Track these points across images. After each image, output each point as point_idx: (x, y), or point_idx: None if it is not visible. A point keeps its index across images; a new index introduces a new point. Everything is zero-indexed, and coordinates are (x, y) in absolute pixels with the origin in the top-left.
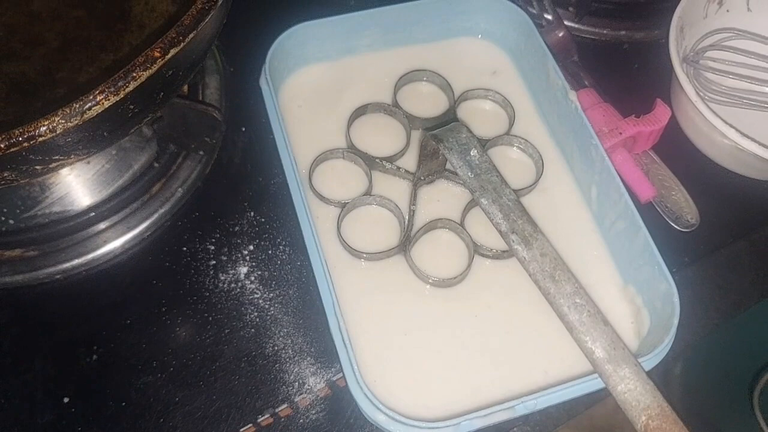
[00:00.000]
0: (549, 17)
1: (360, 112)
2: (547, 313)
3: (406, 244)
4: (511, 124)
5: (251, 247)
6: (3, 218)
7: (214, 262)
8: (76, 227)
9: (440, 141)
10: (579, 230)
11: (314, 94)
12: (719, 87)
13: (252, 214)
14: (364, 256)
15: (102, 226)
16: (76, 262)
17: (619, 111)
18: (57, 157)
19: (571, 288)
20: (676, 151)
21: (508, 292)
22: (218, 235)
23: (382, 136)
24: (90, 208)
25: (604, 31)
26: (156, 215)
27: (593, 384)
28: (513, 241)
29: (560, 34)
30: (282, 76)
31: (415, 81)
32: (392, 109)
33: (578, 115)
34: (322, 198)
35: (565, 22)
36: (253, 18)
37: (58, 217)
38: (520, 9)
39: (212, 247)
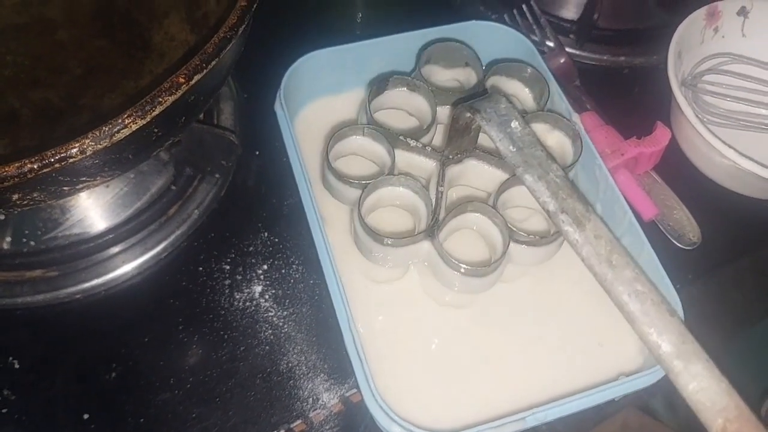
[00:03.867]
0: (551, 44)
1: (381, 87)
2: (567, 319)
3: (434, 228)
4: (545, 101)
5: (265, 267)
6: (25, 239)
7: (230, 281)
8: (95, 248)
9: (477, 112)
10: None
11: (327, 118)
12: (717, 109)
13: (266, 234)
14: (389, 242)
15: (120, 247)
16: (95, 282)
17: (620, 133)
18: (84, 179)
19: (630, 273)
20: (677, 171)
21: (537, 295)
22: (233, 255)
23: (404, 113)
24: (108, 230)
25: (605, 57)
26: (173, 237)
27: (603, 395)
28: (563, 222)
29: (562, 60)
30: (296, 101)
31: (439, 53)
32: (415, 83)
33: (582, 137)
34: (341, 178)
35: (567, 49)
36: (264, 46)
37: (77, 238)
38: (523, 36)
39: (227, 267)
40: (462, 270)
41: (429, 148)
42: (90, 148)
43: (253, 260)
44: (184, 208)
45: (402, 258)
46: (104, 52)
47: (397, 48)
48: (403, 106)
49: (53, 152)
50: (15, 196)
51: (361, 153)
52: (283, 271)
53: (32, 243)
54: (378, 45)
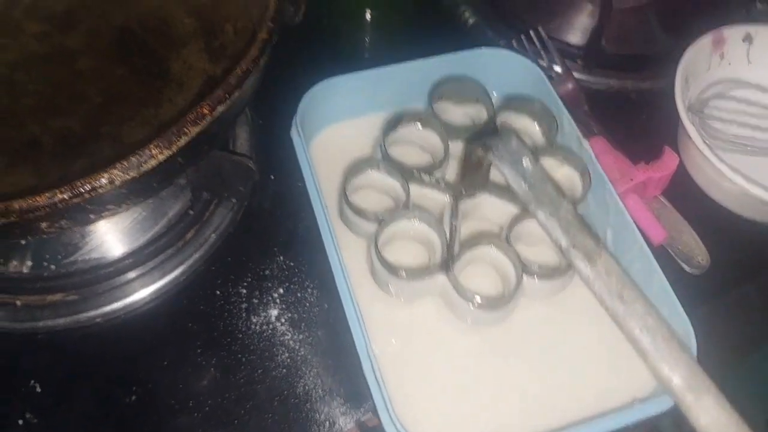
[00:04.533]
0: (558, 69)
1: (393, 123)
2: (581, 345)
3: (448, 261)
4: (554, 135)
5: (281, 291)
6: (46, 263)
7: (246, 305)
8: (114, 272)
9: (489, 149)
10: None
11: (343, 143)
12: (724, 135)
13: (281, 258)
14: (404, 274)
15: (139, 271)
16: (114, 306)
17: (628, 158)
18: (110, 206)
19: (642, 308)
20: (685, 195)
21: (550, 322)
22: (250, 279)
23: (418, 148)
24: (127, 255)
25: (612, 82)
26: (190, 260)
27: (618, 420)
28: (575, 257)
29: (570, 86)
30: (311, 126)
31: (450, 89)
32: (428, 119)
33: (592, 161)
34: (358, 212)
35: (574, 74)
36: (277, 73)
37: (97, 263)
38: (532, 63)
39: (244, 291)
40: (477, 303)
41: (442, 183)
42: (118, 179)
43: (269, 284)
44: (201, 232)
45: (417, 291)
46: (123, 81)
47: (410, 74)
48: (416, 142)
49: (83, 182)
50: (43, 225)
51: (377, 187)
52: (299, 294)
53: (52, 267)
54: (392, 72)
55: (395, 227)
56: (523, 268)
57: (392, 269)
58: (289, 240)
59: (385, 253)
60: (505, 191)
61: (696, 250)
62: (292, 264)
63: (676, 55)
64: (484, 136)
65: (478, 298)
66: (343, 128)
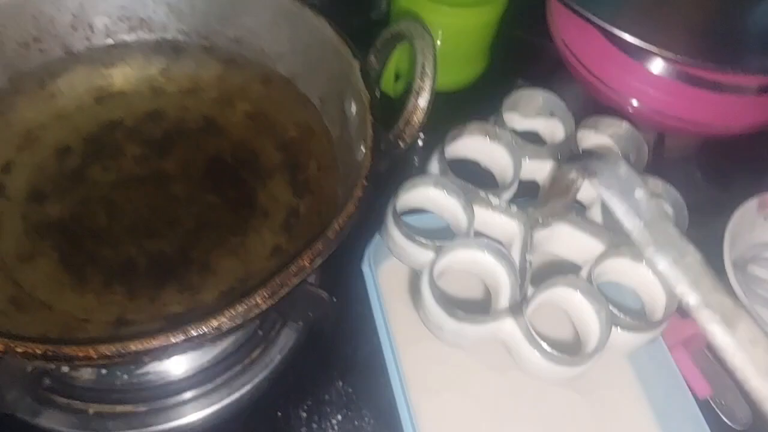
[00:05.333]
0: None
1: (456, 134)
2: None
3: (521, 303)
4: (643, 164)
5: (339, 417)
6: (119, 373)
7: (306, 429)
8: (183, 387)
9: (593, 175)
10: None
11: (411, 275)
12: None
13: (340, 383)
14: (463, 316)
15: (206, 387)
16: (182, 421)
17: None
18: (206, 343)
19: None
20: None
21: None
22: (310, 403)
23: (479, 165)
24: (196, 371)
25: None
26: (256, 380)
27: None
28: (708, 320)
29: None
30: (381, 254)
31: (522, 100)
32: (497, 131)
33: None
34: (410, 236)
35: None
36: None
37: (167, 377)
38: None
39: (304, 414)
40: (552, 357)
41: (514, 208)
42: (226, 325)
43: (328, 409)
44: (266, 352)
45: (477, 337)
46: (214, 208)
47: None
48: (480, 157)
49: (195, 327)
50: (146, 358)
51: (431, 207)
52: (356, 422)
53: (125, 377)
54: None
55: (453, 257)
56: (612, 319)
57: (450, 310)
58: (348, 365)
59: (447, 261)
60: (588, 224)
61: (739, 406)
62: (350, 390)
63: (721, 207)
64: (583, 159)
65: (554, 352)
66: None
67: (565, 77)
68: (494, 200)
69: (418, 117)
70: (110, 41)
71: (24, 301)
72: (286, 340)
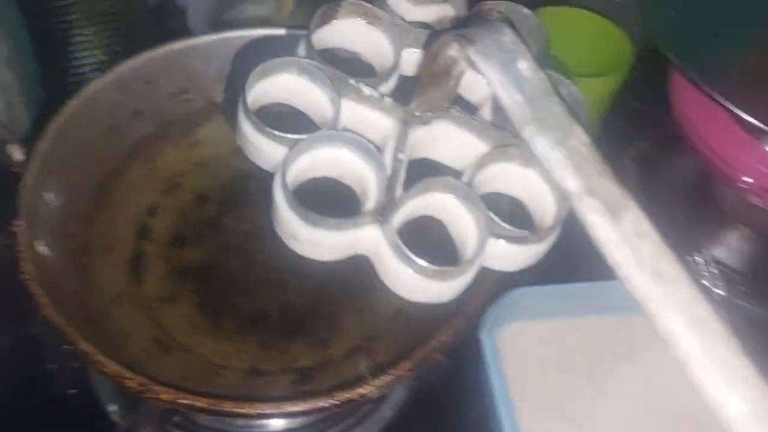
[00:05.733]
0: (721, 293)
1: (328, 15)
2: None
3: (387, 208)
4: (542, 59)
5: None
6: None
7: None
8: None
9: (470, 43)
10: None
11: (532, 345)
12: None
13: None
14: (322, 223)
15: None
16: None
17: None
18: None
19: (687, 293)
20: None
21: None
22: None
23: (355, 55)
24: (312, 423)
25: None
26: None
27: None
28: (590, 209)
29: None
30: (500, 322)
31: None
32: (376, 12)
33: None
34: (262, 130)
35: (737, 301)
36: None
37: (283, 426)
38: None
39: None
40: (422, 269)
41: (388, 100)
42: (373, 393)
43: None
44: (378, 407)
45: (337, 247)
46: (341, 264)
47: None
48: (354, 45)
49: (344, 393)
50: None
51: (295, 100)
52: None
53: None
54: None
55: (314, 155)
56: (490, 227)
57: (305, 215)
58: (454, 428)
59: (306, 160)
60: (475, 120)
61: None
62: None
63: None
64: (462, 27)
65: (424, 265)
66: (535, 328)
67: (679, 149)
68: (366, 90)
69: None
70: None
71: (165, 342)
72: (398, 396)
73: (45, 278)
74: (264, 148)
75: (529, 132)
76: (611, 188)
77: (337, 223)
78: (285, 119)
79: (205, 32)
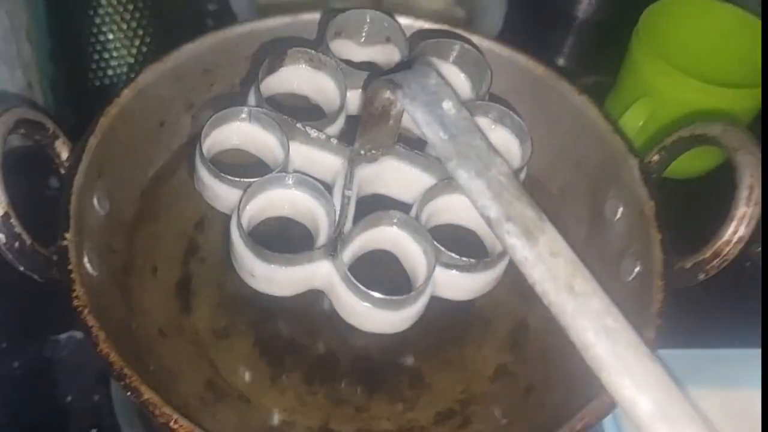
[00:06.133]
0: None
1: (276, 63)
2: None
3: (336, 243)
4: (486, 89)
5: None
6: None
7: None
8: None
9: (398, 87)
10: None
11: None
12: None
13: None
14: (275, 259)
15: None
16: None
17: None
18: None
19: (598, 304)
20: None
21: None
22: None
23: (304, 99)
24: None
25: None
26: None
27: None
28: (508, 233)
29: None
30: None
31: (352, 24)
32: (320, 57)
33: None
34: (217, 175)
35: None
36: None
37: None
38: None
39: None
40: (374, 301)
41: (334, 141)
42: None
43: None
44: None
45: (293, 282)
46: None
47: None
48: (303, 90)
49: None
50: None
51: (247, 146)
52: None
53: None
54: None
55: (267, 197)
56: (437, 255)
57: (259, 252)
58: None
59: (259, 202)
60: (419, 155)
61: None
62: None
63: None
64: (393, 72)
65: (374, 296)
66: None
67: None
68: (313, 132)
69: (733, 249)
70: None
71: (221, 388)
72: None
73: (94, 304)
74: (220, 193)
75: (451, 166)
76: (527, 212)
77: (290, 258)
78: (239, 164)
79: (256, 15)
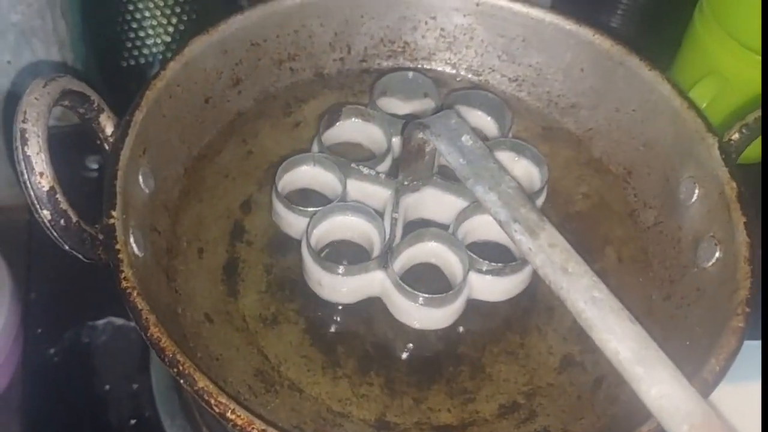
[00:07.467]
0: None
1: (333, 118)
2: None
3: (387, 256)
4: (508, 128)
5: None
6: None
7: None
8: None
9: (426, 128)
10: None
11: None
12: None
13: None
14: (339, 270)
15: None
16: None
17: None
18: None
19: (587, 281)
20: None
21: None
22: None
23: (359, 145)
24: None
25: None
26: None
27: None
28: (515, 231)
29: None
30: None
31: (396, 84)
32: (369, 112)
33: None
34: (289, 206)
35: None
36: None
37: None
38: None
39: None
40: (420, 301)
41: (382, 175)
42: None
43: None
44: None
45: (354, 290)
46: None
47: None
48: (357, 138)
49: None
50: None
51: (313, 185)
52: None
53: None
54: None
55: (330, 223)
56: (471, 263)
57: (325, 265)
58: None
59: (324, 226)
60: (453, 184)
61: None
62: None
63: None
64: (423, 118)
65: (420, 297)
66: None
67: None
68: (365, 170)
69: None
70: (364, 65)
71: (271, 377)
72: None
73: (141, 287)
74: (292, 221)
75: (470, 183)
76: (530, 215)
77: (350, 269)
78: (307, 198)
79: None
